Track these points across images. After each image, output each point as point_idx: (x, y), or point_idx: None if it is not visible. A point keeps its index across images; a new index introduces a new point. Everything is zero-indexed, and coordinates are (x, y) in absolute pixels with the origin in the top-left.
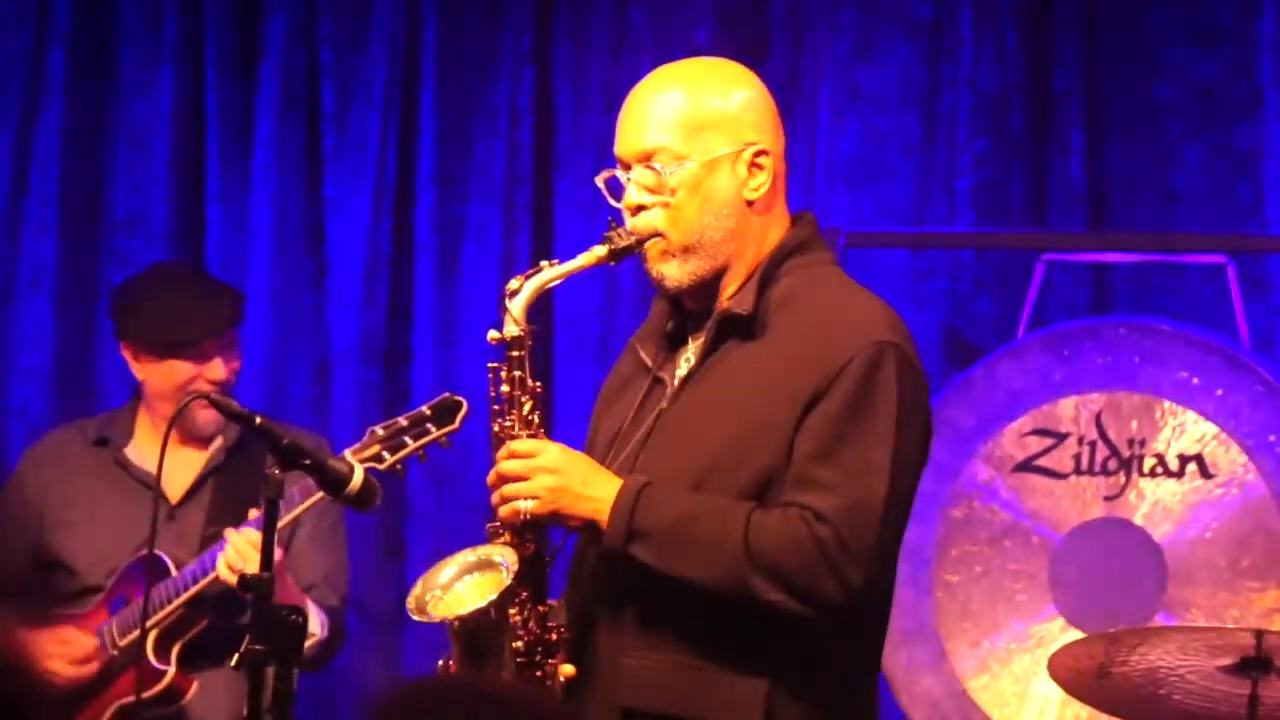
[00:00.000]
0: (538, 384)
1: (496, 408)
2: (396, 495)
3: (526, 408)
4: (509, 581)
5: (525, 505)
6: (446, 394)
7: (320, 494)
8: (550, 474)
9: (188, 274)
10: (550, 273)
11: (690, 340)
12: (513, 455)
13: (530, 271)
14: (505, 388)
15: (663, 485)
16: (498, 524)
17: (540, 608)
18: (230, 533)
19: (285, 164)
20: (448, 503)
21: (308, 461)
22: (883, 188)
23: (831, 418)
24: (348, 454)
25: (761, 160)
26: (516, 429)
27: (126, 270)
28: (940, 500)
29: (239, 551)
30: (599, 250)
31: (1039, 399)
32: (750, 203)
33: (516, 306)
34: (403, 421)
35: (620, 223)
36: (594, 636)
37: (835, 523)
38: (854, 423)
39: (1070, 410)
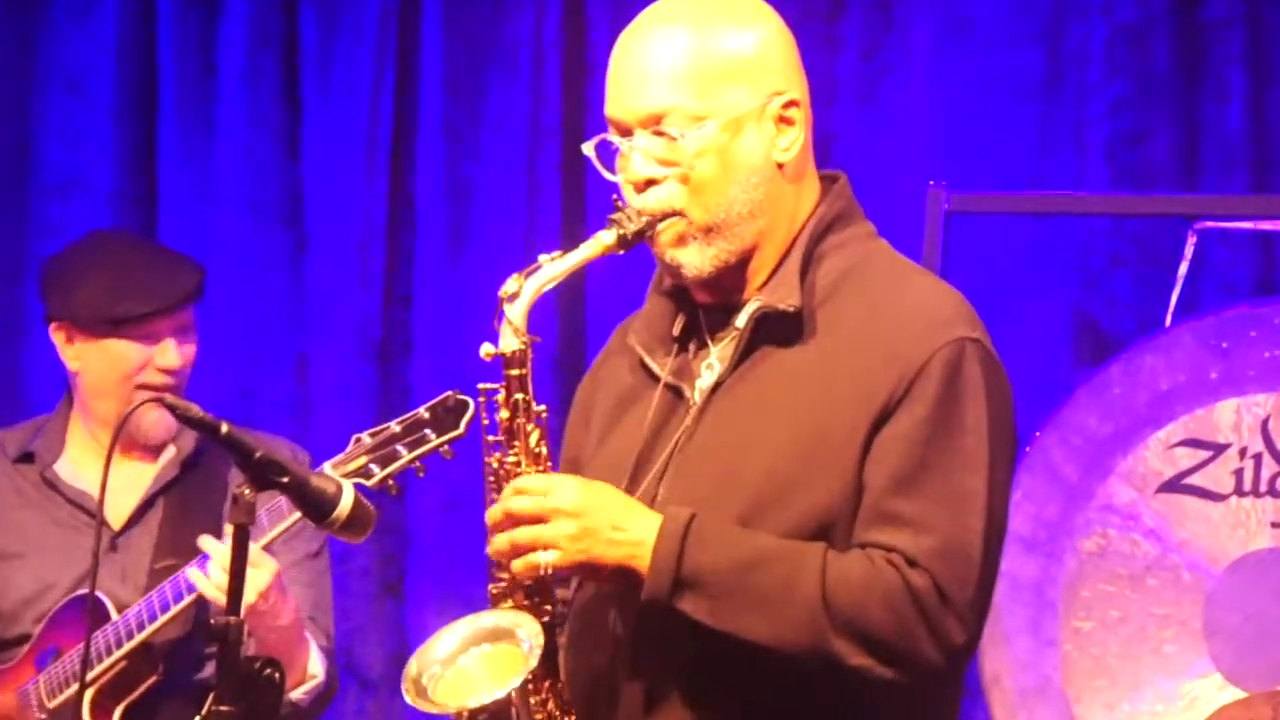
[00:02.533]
0: (543, 408)
1: (493, 439)
2: (394, 519)
3: (534, 438)
4: (533, 661)
5: (546, 557)
6: (449, 393)
7: (295, 515)
8: (570, 517)
9: (136, 241)
10: (551, 269)
11: (710, 342)
12: (521, 494)
13: (528, 269)
14: (504, 414)
15: (713, 520)
16: (504, 581)
17: (559, 684)
18: (206, 540)
19: (256, 114)
20: (457, 529)
21: (286, 479)
22: (995, 141)
23: (912, 436)
24: (327, 468)
25: (792, 113)
26: (523, 465)
27: (61, 244)
28: (1069, 529)
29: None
30: (605, 238)
31: (1191, 402)
32: (781, 166)
33: (517, 313)
34: (395, 427)
35: (624, 200)
36: (614, 717)
37: (932, 569)
38: (940, 441)
39: (1230, 416)
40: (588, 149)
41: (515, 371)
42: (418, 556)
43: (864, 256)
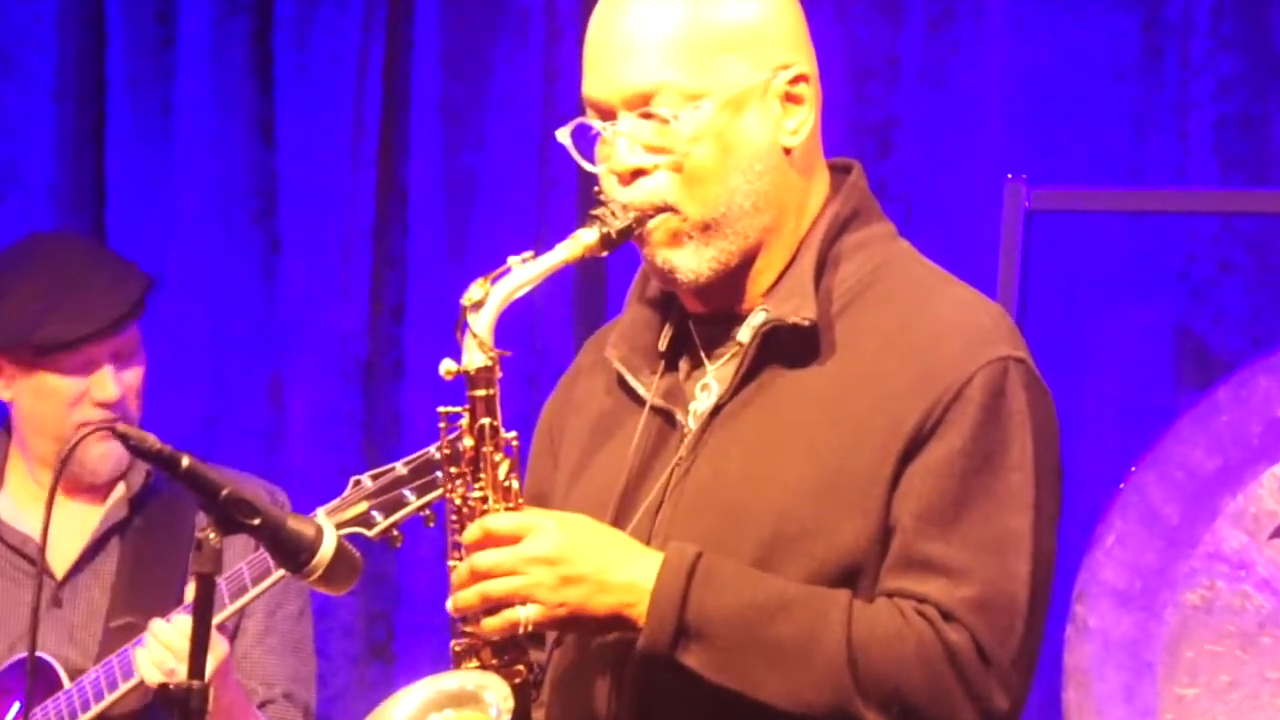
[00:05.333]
0: (513, 434)
1: (455, 470)
2: (382, 570)
3: (503, 469)
4: None
5: (524, 613)
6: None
7: (280, 573)
8: (548, 565)
9: (73, 249)
10: (522, 274)
11: (706, 359)
12: (490, 539)
13: (496, 273)
14: (468, 441)
15: (722, 560)
16: (471, 637)
17: None
18: (156, 623)
19: (223, 94)
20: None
21: (257, 521)
22: (1083, 128)
23: (948, 470)
24: (321, 514)
25: (800, 89)
26: (490, 501)
27: None
28: (1170, 579)
29: (170, 647)
30: (586, 236)
31: None
32: (788, 151)
33: (482, 325)
34: (401, 469)
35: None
36: None
37: (971, 624)
38: (981, 476)
39: None
40: (563, 135)
41: (481, 392)
42: (409, 613)
43: (886, 261)
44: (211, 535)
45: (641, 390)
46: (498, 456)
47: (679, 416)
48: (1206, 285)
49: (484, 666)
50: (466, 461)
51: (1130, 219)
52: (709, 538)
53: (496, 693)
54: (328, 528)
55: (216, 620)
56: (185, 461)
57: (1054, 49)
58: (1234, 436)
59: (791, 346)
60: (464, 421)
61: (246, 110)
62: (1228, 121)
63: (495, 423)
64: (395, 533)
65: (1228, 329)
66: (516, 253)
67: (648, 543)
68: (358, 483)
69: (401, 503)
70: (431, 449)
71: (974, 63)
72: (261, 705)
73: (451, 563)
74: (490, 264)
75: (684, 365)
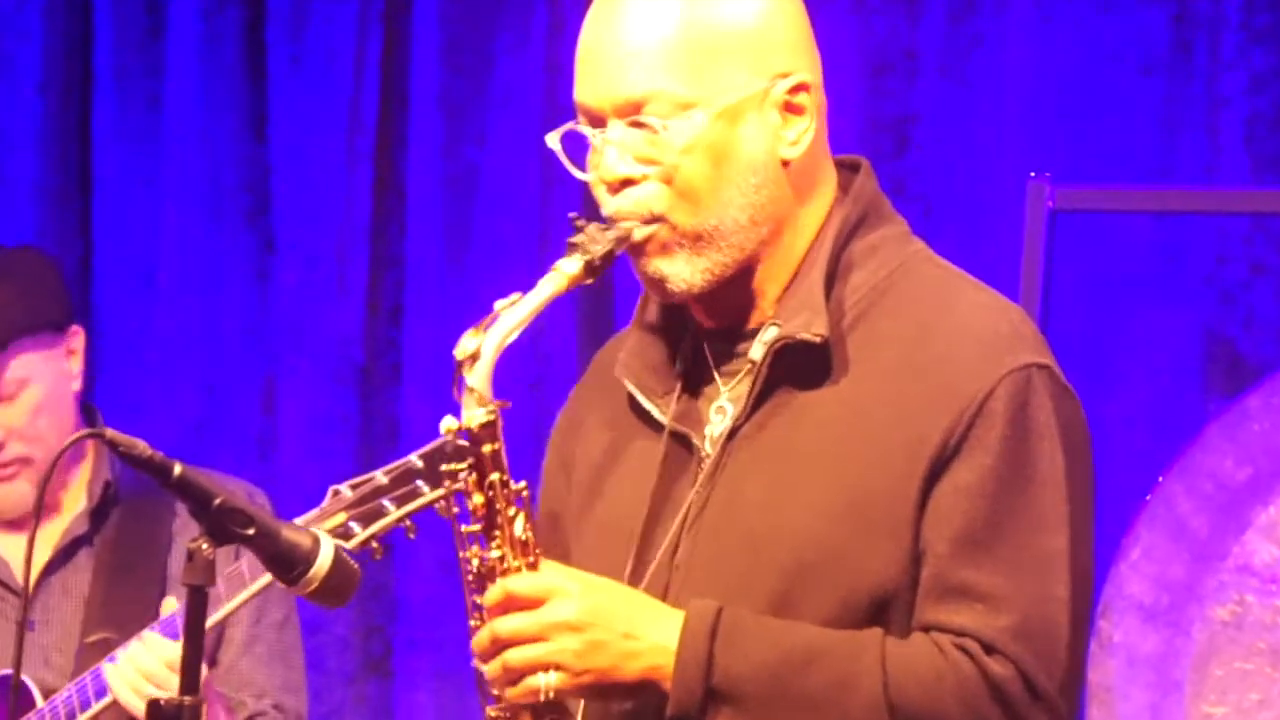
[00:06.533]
0: (522, 484)
1: (467, 528)
2: (379, 582)
3: (518, 525)
4: None
5: (545, 681)
6: (446, 437)
7: (265, 579)
8: (573, 632)
9: None
10: (511, 317)
11: (719, 377)
12: (512, 604)
13: (485, 321)
14: (478, 499)
15: (744, 614)
16: (503, 709)
17: None
18: (132, 642)
19: (214, 88)
20: (455, 595)
21: (252, 531)
22: (1109, 124)
23: (977, 490)
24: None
25: (801, 99)
26: (509, 559)
27: None
28: (1198, 594)
29: (143, 668)
30: (568, 267)
31: None
32: (787, 163)
33: (479, 379)
34: (381, 478)
35: (584, 212)
36: None
37: (1015, 655)
38: (1012, 495)
39: None
40: (552, 141)
41: (487, 448)
42: (407, 627)
43: (900, 265)
44: (204, 546)
45: (657, 414)
46: (511, 511)
47: (695, 440)
48: (1237, 288)
49: None
50: (478, 519)
51: (1158, 219)
52: (731, 570)
53: None
54: (325, 539)
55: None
56: (177, 470)
57: (1079, 42)
58: (1265, 445)
59: (805, 363)
60: (472, 479)
61: (238, 104)
62: (1260, 118)
63: (504, 477)
64: (374, 544)
65: (1259, 333)
66: (516, 254)
67: (670, 577)
68: (336, 493)
69: (380, 513)
70: (412, 457)
71: (996, 56)
72: (251, 717)
73: (473, 623)
74: (490, 265)
75: (697, 385)
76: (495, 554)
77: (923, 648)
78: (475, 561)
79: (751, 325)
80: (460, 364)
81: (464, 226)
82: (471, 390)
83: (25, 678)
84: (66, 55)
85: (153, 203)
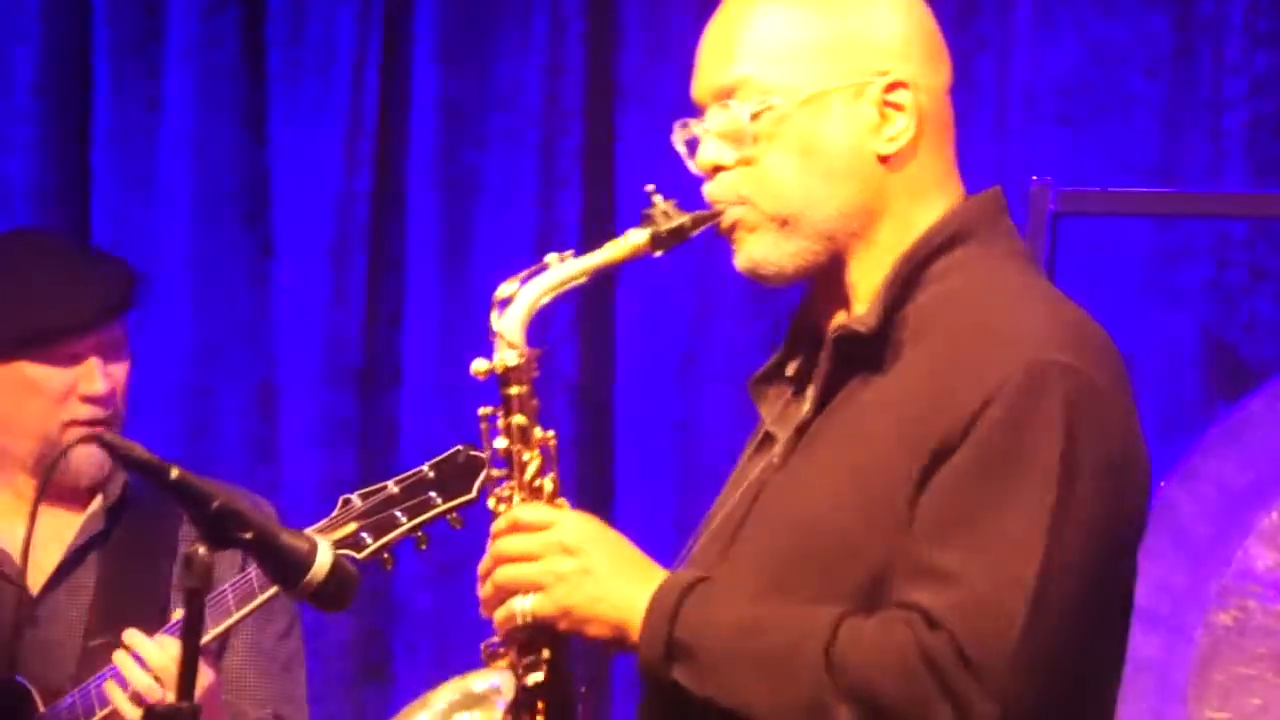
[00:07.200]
0: (550, 433)
1: (497, 474)
2: (379, 588)
3: (531, 469)
4: None
5: (523, 604)
6: (460, 448)
7: (270, 591)
8: (566, 554)
9: (54, 242)
10: (559, 273)
11: (814, 376)
12: (516, 528)
13: (530, 271)
14: (501, 442)
15: (725, 584)
16: (493, 641)
17: None
18: (135, 638)
19: (212, 89)
20: (453, 600)
21: (250, 535)
22: (1112, 127)
23: (964, 472)
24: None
25: (898, 96)
26: (517, 499)
27: None
28: (1199, 599)
29: (153, 670)
30: (635, 236)
31: None
32: (886, 160)
33: (510, 324)
34: (393, 488)
35: (665, 194)
36: None
37: (954, 627)
38: (993, 480)
39: None
40: (676, 140)
41: (514, 390)
42: (407, 632)
43: (987, 275)
44: (201, 550)
45: (764, 416)
46: (526, 455)
47: (777, 434)
48: (1239, 293)
49: (505, 666)
50: (499, 462)
51: (1160, 223)
52: (779, 551)
53: (504, 686)
54: (323, 543)
55: (216, 631)
56: (174, 472)
57: (1082, 45)
58: (1267, 450)
59: (863, 360)
60: (500, 422)
61: (237, 106)
62: (1263, 122)
63: (525, 421)
64: (386, 555)
65: (1261, 338)
66: (517, 258)
67: (725, 556)
68: (347, 502)
69: (393, 524)
70: (424, 467)
71: (999, 59)
72: None
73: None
74: (490, 269)
75: (802, 388)
76: (506, 493)
77: (875, 620)
78: (494, 503)
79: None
80: (494, 305)
81: (464, 230)
82: (499, 334)
83: (25, 681)
84: (64, 57)
85: (150, 205)
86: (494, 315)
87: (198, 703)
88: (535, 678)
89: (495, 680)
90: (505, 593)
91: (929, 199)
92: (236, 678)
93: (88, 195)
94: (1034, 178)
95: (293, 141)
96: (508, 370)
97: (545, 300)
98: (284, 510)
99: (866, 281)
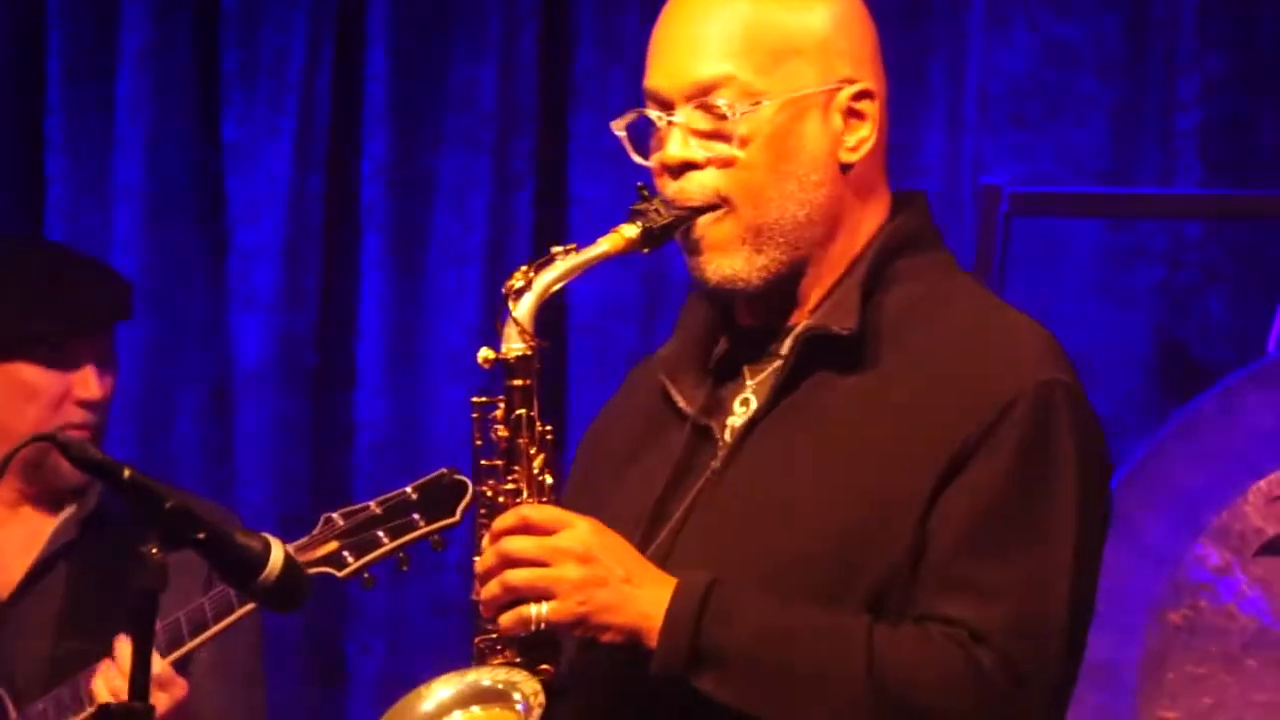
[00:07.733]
0: (549, 428)
1: (488, 463)
2: (334, 591)
3: (537, 464)
4: None
5: (537, 610)
6: (444, 470)
7: (247, 607)
8: (579, 562)
9: (55, 249)
10: (566, 264)
11: (748, 373)
12: (527, 528)
13: (539, 261)
14: (503, 433)
15: (737, 586)
16: (493, 634)
17: None
18: (120, 644)
19: (164, 91)
20: (410, 604)
21: (203, 535)
22: (1064, 129)
23: (989, 489)
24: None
25: (864, 105)
26: (523, 495)
27: None
28: (1151, 599)
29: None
30: (628, 231)
31: None
32: (845, 168)
33: (523, 312)
34: (375, 508)
35: (654, 189)
36: None
37: (1003, 645)
38: (1023, 501)
39: None
40: (618, 127)
41: (519, 382)
42: (360, 633)
43: (942, 283)
44: (154, 550)
45: (682, 403)
46: (533, 450)
47: (715, 431)
48: (1191, 294)
49: (508, 664)
50: (500, 454)
51: (1113, 224)
52: (730, 553)
53: (523, 690)
54: (274, 544)
55: (173, 657)
56: (126, 473)
57: (1034, 46)
58: (1219, 451)
59: (832, 359)
60: (499, 412)
61: (190, 108)
62: (1214, 124)
63: (532, 414)
64: (366, 575)
65: (1213, 339)
66: (470, 260)
67: (670, 552)
68: (328, 520)
69: (375, 544)
70: (408, 489)
71: (951, 59)
72: None
73: (479, 557)
74: (443, 271)
75: (726, 380)
76: (510, 487)
77: (910, 632)
78: (490, 494)
79: (790, 324)
80: (507, 295)
81: (418, 232)
82: (515, 322)
83: None
84: (16, 59)
85: (104, 207)
86: (510, 305)
87: (168, 716)
88: (547, 676)
89: (506, 678)
90: (517, 593)
91: (871, 203)
92: (200, 689)
93: (41, 196)
94: (985, 178)
95: (246, 143)
96: (518, 359)
97: (555, 289)
98: (238, 510)
99: (818, 286)
